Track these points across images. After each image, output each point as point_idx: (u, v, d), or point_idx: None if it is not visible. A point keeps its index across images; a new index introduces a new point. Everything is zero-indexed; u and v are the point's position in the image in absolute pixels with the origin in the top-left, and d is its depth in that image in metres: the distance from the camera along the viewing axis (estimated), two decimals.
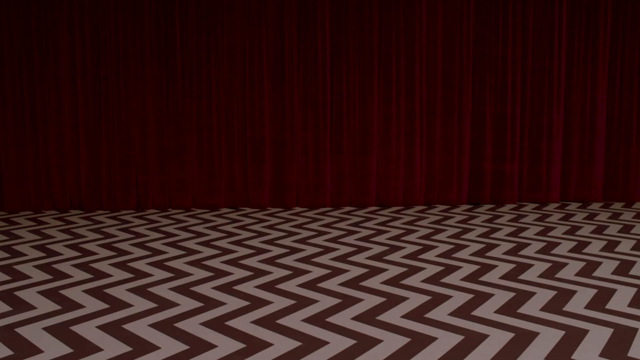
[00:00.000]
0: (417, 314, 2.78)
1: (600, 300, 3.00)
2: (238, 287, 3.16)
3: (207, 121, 5.22)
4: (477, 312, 2.81)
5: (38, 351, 2.36)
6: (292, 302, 2.94)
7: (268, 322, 2.67)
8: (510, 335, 2.55)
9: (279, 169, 5.36)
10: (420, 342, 2.48)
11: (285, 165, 5.34)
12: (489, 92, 5.58)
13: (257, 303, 2.92)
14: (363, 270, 3.48)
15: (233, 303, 2.92)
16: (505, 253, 3.89)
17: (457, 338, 2.52)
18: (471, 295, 3.05)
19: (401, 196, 5.54)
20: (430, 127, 5.59)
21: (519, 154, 5.67)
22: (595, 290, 3.14)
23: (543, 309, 2.86)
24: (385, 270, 3.49)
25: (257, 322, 2.68)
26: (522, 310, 2.85)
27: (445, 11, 5.49)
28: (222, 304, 2.91)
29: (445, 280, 3.31)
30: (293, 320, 2.70)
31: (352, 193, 5.50)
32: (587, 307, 2.90)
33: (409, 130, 5.56)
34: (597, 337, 2.53)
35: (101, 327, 2.60)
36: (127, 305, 2.88)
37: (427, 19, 5.49)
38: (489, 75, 5.56)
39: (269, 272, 3.42)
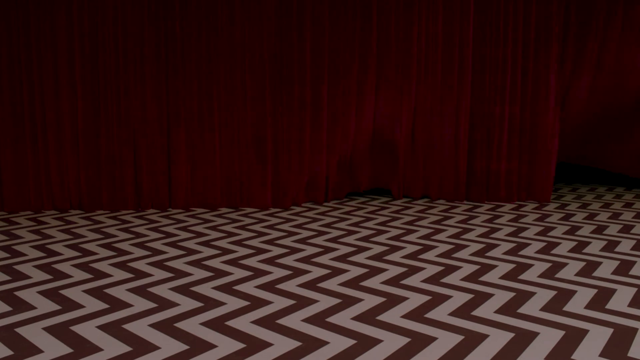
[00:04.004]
0: (417, 314, 2.78)
1: (600, 300, 3.00)
2: (238, 287, 3.16)
3: (208, 121, 5.21)
4: (477, 312, 2.81)
5: (38, 351, 2.36)
6: (292, 302, 2.94)
7: (268, 322, 2.67)
8: (510, 335, 2.55)
9: (279, 169, 5.35)
10: (420, 342, 2.48)
11: (286, 165, 5.32)
12: (488, 92, 5.58)
13: (257, 303, 2.92)
14: (363, 270, 3.48)
15: (233, 303, 2.92)
16: (505, 253, 3.89)
17: (457, 338, 2.52)
18: (471, 295, 3.05)
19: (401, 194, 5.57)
20: (430, 127, 5.61)
21: (518, 153, 5.67)
22: (595, 290, 3.14)
23: (543, 309, 2.86)
24: (385, 270, 3.49)
25: (257, 322, 2.68)
26: (522, 310, 2.85)
27: (445, 10, 5.50)
28: (222, 304, 2.91)
29: (445, 280, 3.31)
30: (293, 320, 2.70)
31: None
32: (587, 307, 2.90)
33: (408, 130, 5.58)
34: (597, 337, 2.53)
35: (101, 327, 2.60)
36: (127, 305, 2.88)
37: (426, 19, 5.49)
38: (488, 75, 5.56)
39: (269, 272, 3.42)
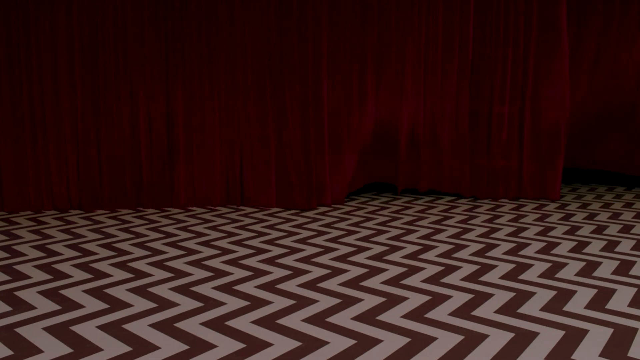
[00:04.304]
0: (417, 314, 2.78)
1: (600, 300, 2.99)
2: (238, 287, 3.16)
3: (210, 121, 5.21)
4: (477, 312, 2.81)
5: (38, 351, 2.36)
6: (292, 302, 2.94)
7: (268, 322, 2.67)
8: (510, 335, 2.55)
9: (284, 169, 5.33)
10: (420, 342, 2.48)
11: (291, 166, 5.31)
12: (489, 92, 5.60)
13: (257, 303, 2.92)
14: (363, 270, 3.48)
15: (233, 303, 2.92)
16: (505, 253, 3.89)
17: (457, 338, 2.52)
18: (471, 295, 3.05)
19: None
20: (431, 125, 5.65)
21: (518, 152, 5.70)
22: (595, 290, 3.14)
23: (543, 309, 2.86)
24: (385, 270, 3.49)
25: (257, 322, 2.68)
26: (522, 310, 2.85)
27: (445, 10, 5.51)
28: (222, 304, 2.91)
29: (445, 280, 3.31)
30: (293, 320, 2.70)
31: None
32: (587, 307, 2.90)
33: (409, 128, 5.61)
34: (597, 337, 2.53)
35: (101, 327, 2.60)
36: (127, 305, 2.88)
37: (426, 19, 5.50)
38: (488, 75, 5.58)
39: (269, 272, 3.42)
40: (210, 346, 2.42)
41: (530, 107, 5.63)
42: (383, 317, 2.75)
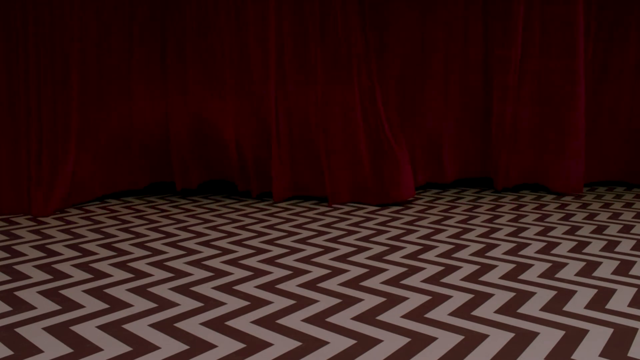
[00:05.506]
0: (417, 314, 2.78)
1: (600, 300, 3.00)
2: (238, 287, 3.16)
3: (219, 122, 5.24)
4: (477, 312, 2.81)
5: (38, 351, 2.36)
6: (292, 302, 2.94)
7: (268, 322, 2.68)
8: (510, 335, 2.55)
9: (297, 169, 5.34)
10: (420, 342, 2.48)
11: (302, 166, 5.32)
12: (495, 92, 5.67)
13: (257, 303, 2.92)
14: (363, 270, 3.48)
15: (233, 303, 2.92)
16: (505, 253, 3.89)
17: (457, 338, 2.52)
18: (471, 295, 3.05)
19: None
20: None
21: (529, 146, 5.97)
22: (595, 290, 3.14)
23: (543, 309, 2.86)
24: (385, 270, 3.49)
25: (257, 322, 2.68)
26: (522, 310, 2.85)
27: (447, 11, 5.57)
28: (222, 304, 2.91)
29: (445, 280, 3.31)
30: (293, 320, 2.70)
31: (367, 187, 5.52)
32: (587, 307, 2.90)
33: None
34: (597, 337, 2.53)
35: (101, 327, 2.60)
36: (127, 305, 2.88)
37: (444, 22, 5.60)
38: (494, 75, 5.64)
39: (269, 272, 3.42)
40: (210, 346, 2.42)
41: (542, 107, 5.83)
42: (383, 317, 2.75)
